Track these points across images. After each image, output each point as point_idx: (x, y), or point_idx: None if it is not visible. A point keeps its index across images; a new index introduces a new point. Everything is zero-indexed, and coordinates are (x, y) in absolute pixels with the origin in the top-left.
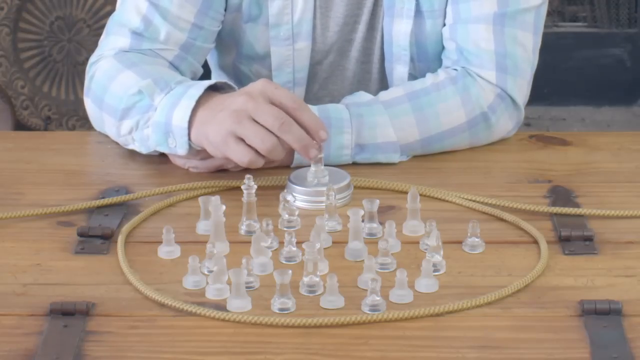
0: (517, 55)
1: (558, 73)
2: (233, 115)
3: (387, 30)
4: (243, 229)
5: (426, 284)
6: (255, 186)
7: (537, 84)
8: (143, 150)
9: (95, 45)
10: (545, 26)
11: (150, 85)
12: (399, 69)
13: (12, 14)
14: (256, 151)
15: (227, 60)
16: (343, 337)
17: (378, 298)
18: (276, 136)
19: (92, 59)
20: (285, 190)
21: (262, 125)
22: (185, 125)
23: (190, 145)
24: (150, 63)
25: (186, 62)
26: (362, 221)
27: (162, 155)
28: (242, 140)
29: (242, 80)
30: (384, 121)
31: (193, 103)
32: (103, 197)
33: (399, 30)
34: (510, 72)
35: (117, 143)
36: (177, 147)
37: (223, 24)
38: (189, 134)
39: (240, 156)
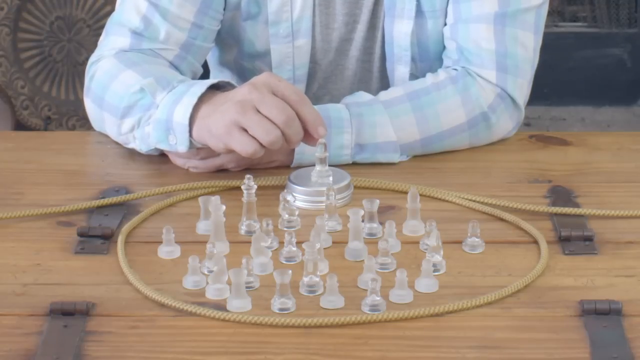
0: (518, 55)
1: (558, 73)
2: (237, 106)
3: (388, 31)
4: (243, 229)
5: (426, 284)
6: (255, 186)
7: (537, 84)
8: (143, 148)
9: (95, 45)
10: (546, 26)
11: (152, 83)
12: (400, 69)
13: (12, 14)
14: (259, 142)
15: (228, 57)
16: (343, 337)
17: (378, 298)
18: (279, 128)
19: (91, 59)
20: (285, 190)
21: (265, 117)
22: (187, 122)
23: (191, 142)
24: (151, 62)
25: (186, 61)
26: (362, 221)
27: (162, 155)
28: (246, 130)
29: (245, 75)
30: (384, 121)
31: (195, 100)
32: (103, 197)
33: (399, 31)
34: (511, 71)
35: (117, 143)
36: (177, 145)
37: (222, 23)
38: (190, 131)
39: (244, 146)
